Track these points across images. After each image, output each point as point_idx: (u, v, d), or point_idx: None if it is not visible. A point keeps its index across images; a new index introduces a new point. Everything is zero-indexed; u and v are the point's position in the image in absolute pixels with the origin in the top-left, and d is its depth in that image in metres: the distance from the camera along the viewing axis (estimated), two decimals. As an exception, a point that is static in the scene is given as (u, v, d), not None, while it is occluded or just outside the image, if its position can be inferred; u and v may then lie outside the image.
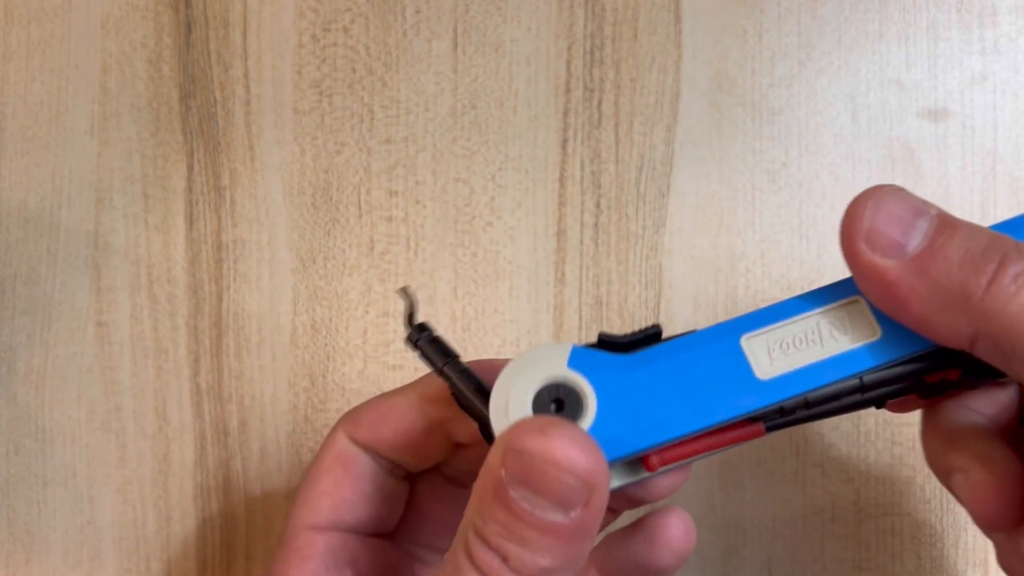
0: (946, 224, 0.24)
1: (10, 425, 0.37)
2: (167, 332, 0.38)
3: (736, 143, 0.39)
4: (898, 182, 0.39)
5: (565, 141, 0.39)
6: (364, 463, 0.29)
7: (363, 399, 0.30)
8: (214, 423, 0.38)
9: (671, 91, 0.39)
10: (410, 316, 0.27)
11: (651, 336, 0.25)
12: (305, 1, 0.39)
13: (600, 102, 0.39)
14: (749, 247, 0.38)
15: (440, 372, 0.27)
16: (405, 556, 0.31)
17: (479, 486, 0.23)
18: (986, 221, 0.39)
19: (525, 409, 0.25)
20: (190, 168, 0.38)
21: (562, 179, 0.39)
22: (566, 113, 0.39)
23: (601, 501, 0.23)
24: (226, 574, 0.38)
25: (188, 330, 0.38)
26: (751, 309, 0.38)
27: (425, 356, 0.27)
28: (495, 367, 0.26)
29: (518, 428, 0.23)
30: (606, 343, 0.25)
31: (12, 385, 0.37)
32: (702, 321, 0.39)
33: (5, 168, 0.38)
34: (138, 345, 0.38)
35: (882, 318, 0.25)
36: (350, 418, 0.30)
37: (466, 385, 0.26)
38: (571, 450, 0.22)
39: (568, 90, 0.39)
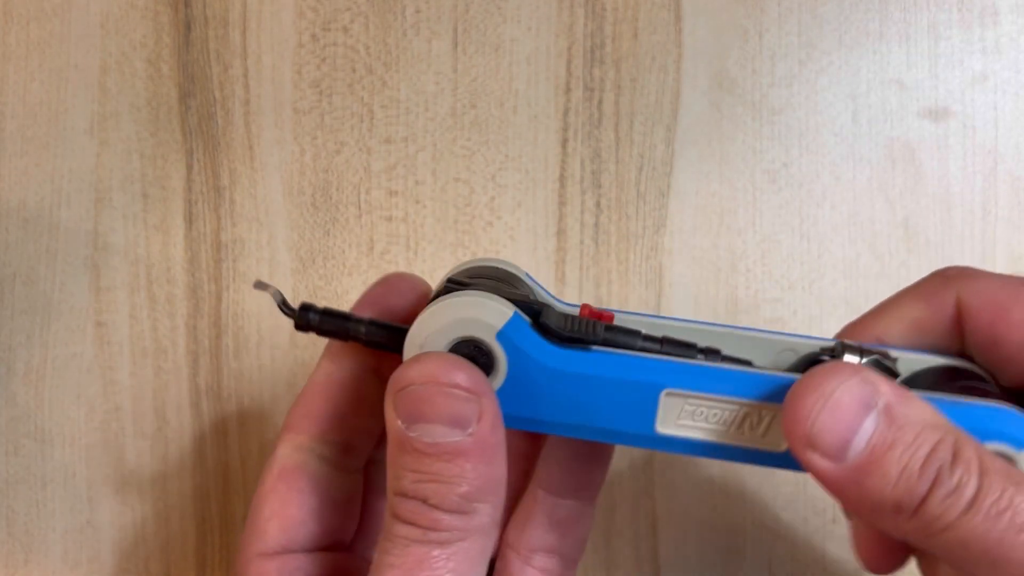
0: (891, 425, 0.23)
1: (9, 425, 0.37)
2: (166, 332, 0.38)
3: (736, 143, 0.39)
4: (899, 182, 0.39)
5: (565, 141, 0.39)
6: (309, 471, 0.28)
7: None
8: (213, 423, 0.38)
9: (671, 91, 0.39)
10: (283, 303, 0.27)
11: (590, 336, 0.25)
12: (305, 0, 0.39)
13: (600, 102, 0.39)
14: (749, 247, 0.38)
15: (351, 337, 0.26)
16: (364, 564, 0.30)
17: (387, 451, 0.24)
18: (987, 221, 0.39)
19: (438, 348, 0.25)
20: (189, 168, 0.38)
21: (562, 179, 0.39)
22: (566, 113, 0.39)
23: (494, 411, 0.24)
24: (225, 574, 0.38)
25: (187, 330, 0.38)
26: (752, 309, 0.38)
27: (325, 332, 0.26)
28: (390, 298, 0.27)
29: (398, 370, 0.24)
30: (546, 328, 0.25)
31: (11, 385, 0.37)
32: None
33: (4, 168, 0.38)
34: (137, 345, 0.38)
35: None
36: (284, 425, 0.29)
37: (380, 336, 0.26)
38: (447, 366, 0.24)
39: (568, 90, 0.39)
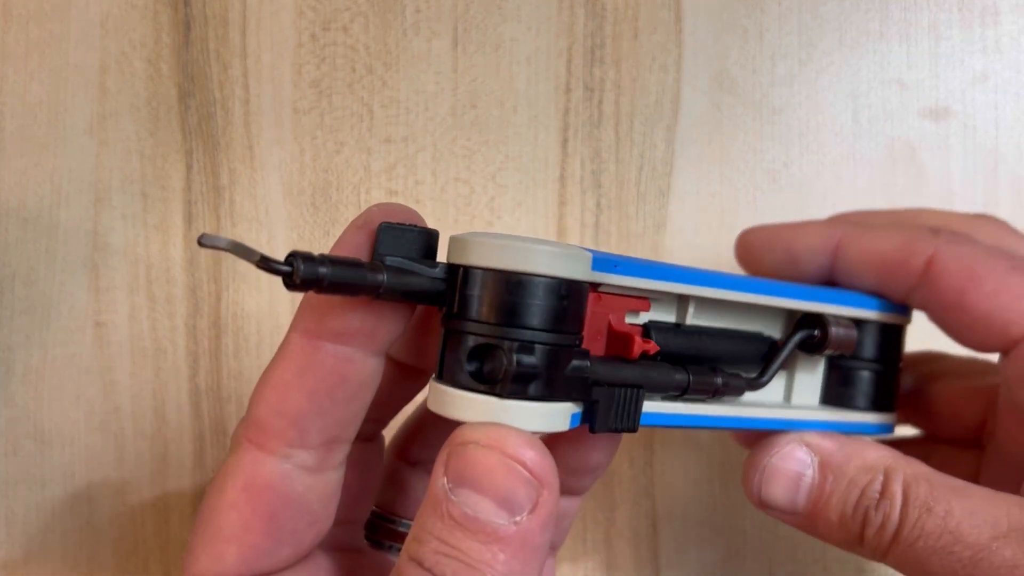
0: (825, 479, 0.27)
1: (8, 426, 0.37)
2: (166, 332, 0.38)
3: (737, 142, 0.39)
4: (900, 181, 0.39)
5: (565, 140, 0.39)
6: (282, 484, 0.23)
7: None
8: (213, 424, 0.38)
9: (672, 90, 0.39)
10: (264, 259, 0.20)
11: None
12: (305, 0, 0.39)
13: (600, 101, 0.39)
14: (750, 247, 0.38)
15: (374, 294, 0.21)
16: (336, 557, 0.27)
17: (420, 509, 0.21)
18: (988, 221, 0.39)
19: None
20: (189, 167, 0.38)
21: (562, 178, 0.39)
22: (566, 112, 0.39)
23: (552, 505, 0.21)
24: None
25: (187, 330, 0.38)
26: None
27: (337, 287, 0.21)
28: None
29: (463, 427, 0.21)
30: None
31: (10, 386, 0.37)
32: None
33: (3, 168, 0.38)
34: (137, 345, 0.38)
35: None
36: (245, 422, 0.24)
37: (420, 285, 0.21)
38: (520, 440, 0.21)
39: (568, 89, 0.39)
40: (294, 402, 0.23)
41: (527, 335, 0.21)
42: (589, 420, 0.23)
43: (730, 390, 0.26)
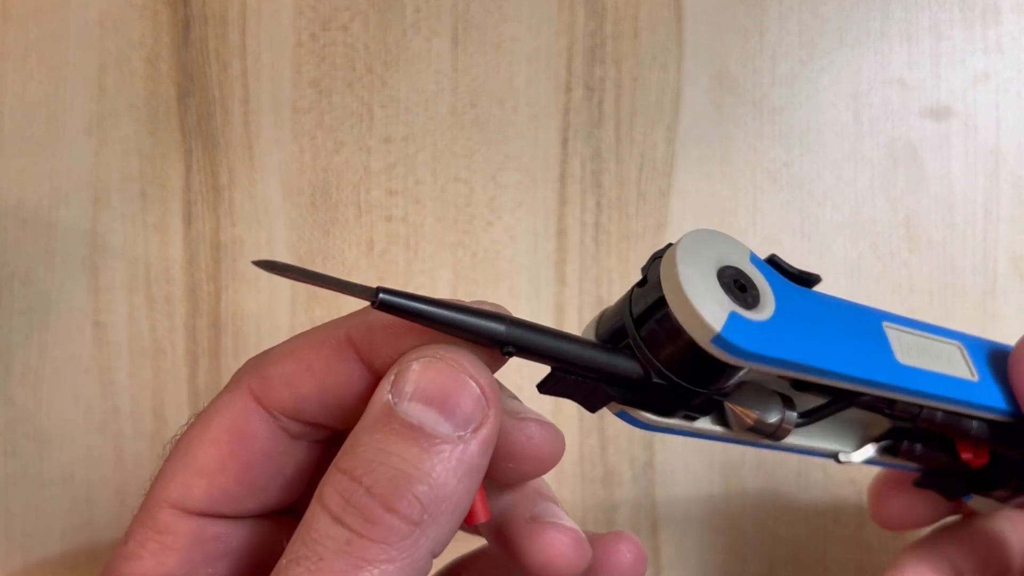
0: None
1: (7, 426, 0.37)
2: (165, 332, 0.38)
3: (737, 142, 0.39)
4: (901, 181, 0.39)
5: (565, 140, 0.39)
6: (265, 438, 0.23)
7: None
8: (212, 424, 0.38)
9: (672, 90, 0.39)
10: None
11: (808, 280, 0.24)
12: (304, -1, 0.39)
13: (601, 101, 0.39)
14: (751, 247, 0.38)
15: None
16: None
17: (353, 431, 0.21)
18: (989, 220, 0.39)
19: (709, 280, 0.21)
20: (188, 167, 0.38)
21: (562, 178, 0.39)
22: (566, 112, 0.39)
23: (494, 431, 0.21)
24: None
25: (186, 330, 0.38)
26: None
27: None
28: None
29: (418, 348, 0.21)
30: (775, 264, 0.24)
31: (9, 386, 0.37)
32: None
33: (2, 168, 0.38)
34: (136, 346, 0.37)
35: (980, 366, 0.27)
36: (257, 371, 0.23)
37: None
38: (476, 362, 0.21)
39: (568, 89, 0.39)
40: (307, 386, 0.23)
41: None
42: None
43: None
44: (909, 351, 0.25)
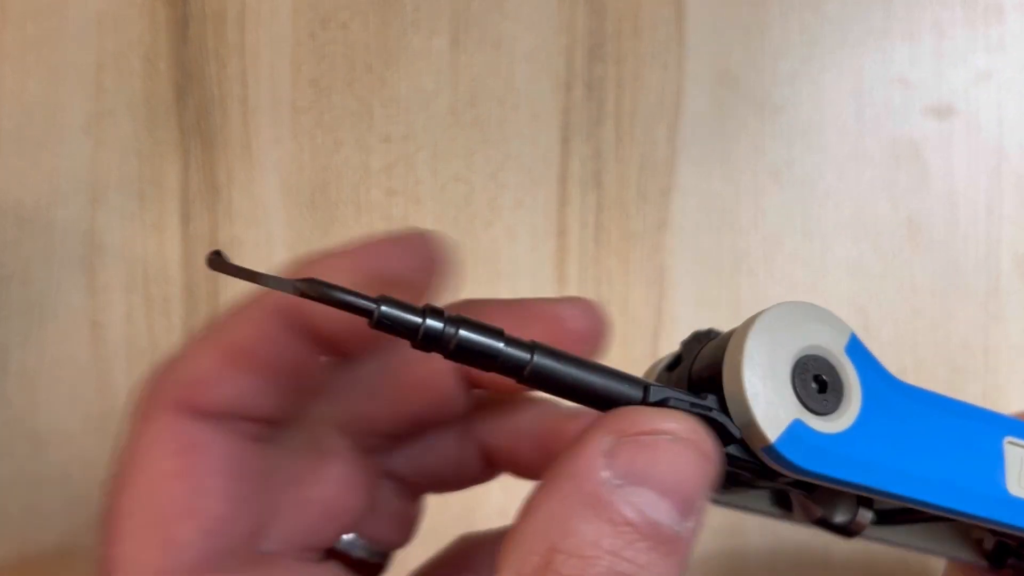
0: None
1: (4, 426, 0.37)
2: (163, 333, 0.37)
3: (739, 141, 0.39)
4: (903, 180, 0.39)
5: (566, 139, 0.38)
6: (215, 458, 0.19)
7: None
8: (211, 424, 0.38)
9: (673, 88, 0.39)
10: (353, 300, 0.17)
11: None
12: (303, -2, 0.38)
13: (601, 100, 0.39)
14: (753, 246, 0.38)
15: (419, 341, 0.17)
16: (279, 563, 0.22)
17: (555, 508, 0.17)
18: (991, 219, 0.39)
19: (779, 373, 0.18)
20: (186, 166, 0.38)
21: (563, 178, 0.38)
22: (567, 111, 0.39)
23: (702, 517, 0.18)
24: None
25: (184, 330, 0.37)
26: (755, 309, 0.38)
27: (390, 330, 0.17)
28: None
29: (636, 412, 0.17)
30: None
31: (6, 386, 0.37)
32: (705, 322, 0.38)
33: (0, 167, 0.38)
34: (133, 346, 0.37)
35: None
36: (174, 377, 0.20)
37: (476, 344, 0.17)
38: (707, 436, 0.17)
39: (569, 87, 0.39)
40: (224, 355, 0.20)
41: None
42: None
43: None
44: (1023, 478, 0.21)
